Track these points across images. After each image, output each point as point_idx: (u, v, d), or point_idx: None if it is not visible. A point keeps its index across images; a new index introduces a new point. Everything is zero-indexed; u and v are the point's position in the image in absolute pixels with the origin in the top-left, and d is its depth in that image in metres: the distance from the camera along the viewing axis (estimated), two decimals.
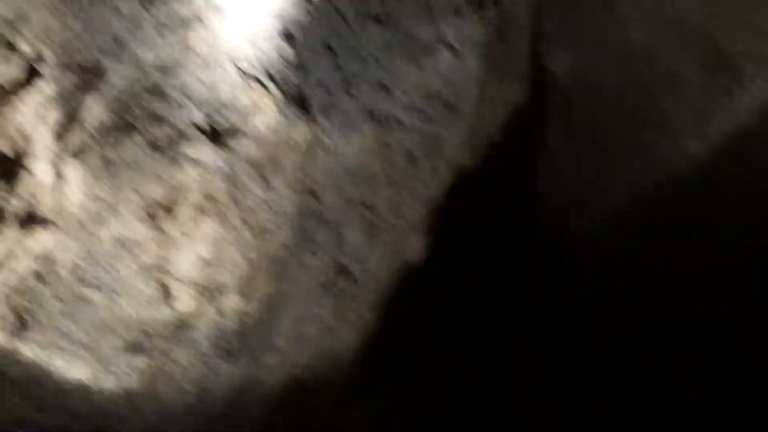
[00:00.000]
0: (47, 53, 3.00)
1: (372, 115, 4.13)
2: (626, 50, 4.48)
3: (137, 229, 3.29)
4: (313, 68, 3.83)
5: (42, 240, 3.04)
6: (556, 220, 4.80)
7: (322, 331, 4.06)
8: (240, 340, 3.62)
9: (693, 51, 4.33)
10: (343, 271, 4.06)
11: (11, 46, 2.92)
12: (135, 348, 3.27)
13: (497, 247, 4.86)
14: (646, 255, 4.51)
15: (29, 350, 3.05)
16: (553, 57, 4.77)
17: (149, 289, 3.27)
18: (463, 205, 4.45)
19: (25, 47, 2.94)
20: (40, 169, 3.04)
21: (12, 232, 2.95)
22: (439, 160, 4.39)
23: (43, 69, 3.01)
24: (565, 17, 4.63)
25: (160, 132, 3.32)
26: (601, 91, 4.63)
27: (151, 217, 3.35)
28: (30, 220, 3.04)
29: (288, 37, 3.69)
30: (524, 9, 4.61)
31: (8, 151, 2.96)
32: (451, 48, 4.27)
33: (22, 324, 3.03)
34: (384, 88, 4.15)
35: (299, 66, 3.76)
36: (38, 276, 3.04)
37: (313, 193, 3.96)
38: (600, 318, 4.62)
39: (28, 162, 3.02)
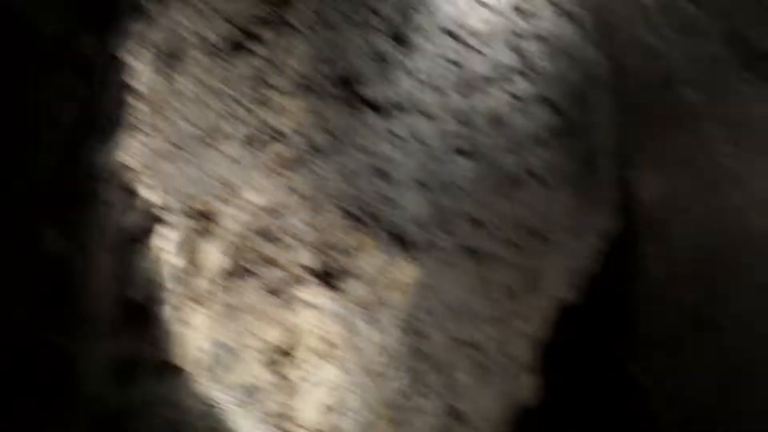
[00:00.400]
0: (167, 199, 3.45)
1: (469, 251, 4.57)
2: (713, 173, 4.97)
3: (260, 375, 3.61)
4: (408, 205, 4.31)
5: (173, 385, 3.36)
6: (662, 353, 5.11)
7: None
8: None
9: None
10: (456, 414, 4.35)
11: (134, 195, 3.37)
12: None
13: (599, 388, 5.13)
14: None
15: None
16: (642, 183, 5.26)
17: None
18: (566, 342, 4.77)
19: (147, 194, 3.39)
20: (168, 317, 3.40)
21: (150, 379, 3.28)
22: (539, 295, 4.78)
23: (165, 216, 3.44)
24: (650, 142, 5.18)
25: (273, 276, 3.73)
26: (692, 215, 5.08)
27: (272, 363, 3.69)
28: (163, 365, 3.36)
29: (382, 174, 4.19)
30: (610, 136, 5.17)
31: (140, 299, 3.32)
32: (540, 179, 4.79)
33: None
34: (478, 222, 4.62)
35: (395, 203, 4.23)
36: (171, 424, 3.33)
37: (420, 334, 4.32)
38: None
39: (156, 309, 3.38)
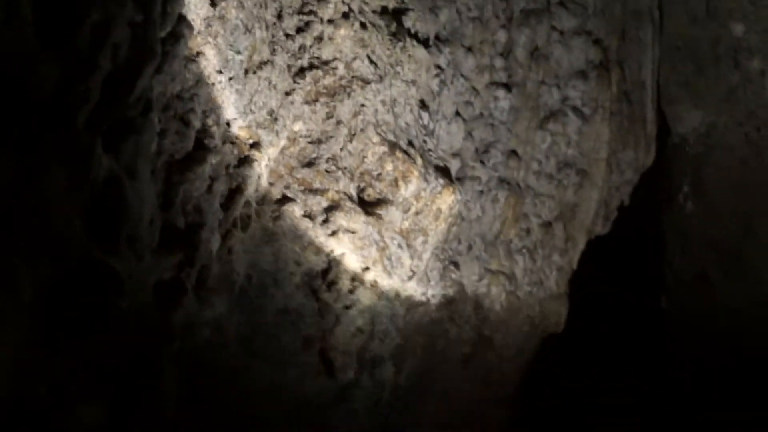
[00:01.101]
0: (213, 127, 3.48)
1: (505, 183, 4.58)
2: (755, 108, 4.89)
3: (298, 300, 3.68)
4: (446, 136, 4.31)
5: (214, 309, 3.44)
6: (687, 290, 5.11)
7: (468, 403, 4.37)
8: (392, 411, 3.97)
9: None
10: (486, 342, 4.41)
11: (184, 121, 3.40)
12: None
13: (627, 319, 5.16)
14: None
15: None
16: (681, 118, 5.20)
17: (312, 359, 3.65)
18: (598, 273, 4.80)
19: (195, 122, 3.41)
20: (210, 240, 3.47)
21: (190, 303, 3.36)
22: (573, 227, 4.78)
23: (210, 142, 3.47)
24: (692, 76, 5.10)
25: (314, 202, 3.77)
26: (730, 151, 5.02)
27: (312, 289, 3.76)
28: (203, 288, 3.44)
29: (424, 105, 4.18)
30: (649, 71, 5.09)
31: (182, 224, 3.38)
32: (578, 112, 4.75)
33: None
34: (515, 155, 4.61)
35: (435, 134, 4.23)
36: (212, 346, 3.43)
37: (455, 264, 4.36)
38: None
39: (201, 233, 3.44)
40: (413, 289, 3.97)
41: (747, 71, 4.79)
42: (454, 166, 4.24)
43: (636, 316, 5.19)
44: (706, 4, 4.92)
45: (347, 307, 3.74)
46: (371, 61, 3.83)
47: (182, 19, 3.20)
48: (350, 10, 3.79)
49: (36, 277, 2.61)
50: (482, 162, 4.35)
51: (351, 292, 3.74)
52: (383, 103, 3.84)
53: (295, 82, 3.66)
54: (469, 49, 4.41)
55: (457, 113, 4.26)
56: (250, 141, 3.58)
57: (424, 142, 4.01)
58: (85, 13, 2.73)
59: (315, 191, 3.69)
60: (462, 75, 4.31)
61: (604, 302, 4.89)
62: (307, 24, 3.67)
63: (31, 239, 2.62)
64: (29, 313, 2.55)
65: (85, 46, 2.75)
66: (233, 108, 3.50)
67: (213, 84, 3.41)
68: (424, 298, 4.06)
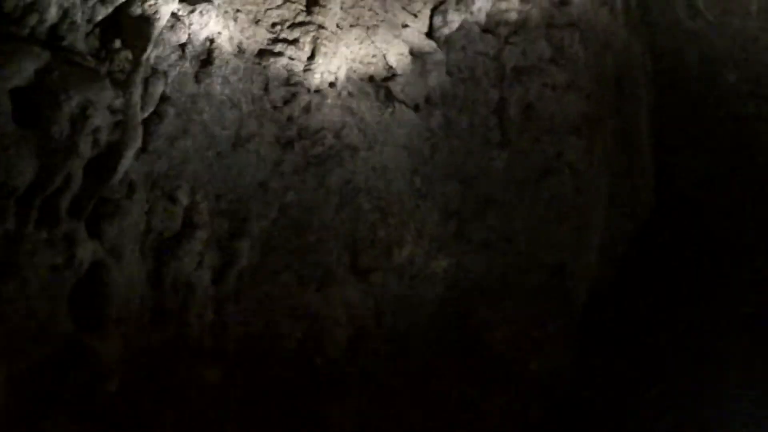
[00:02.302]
0: (201, 202, 3.43)
1: (504, 240, 4.49)
2: (756, 153, 4.79)
3: (293, 370, 3.59)
4: (441, 197, 4.24)
5: (208, 375, 3.37)
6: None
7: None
8: None
9: None
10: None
11: (171, 199, 3.36)
12: None
13: None
14: None
15: None
16: (678, 164, 5.10)
17: None
18: (603, 322, 4.67)
19: (182, 198, 3.37)
20: (203, 314, 3.40)
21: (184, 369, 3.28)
22: (576, 279, 4.68)
23: (198, 218, 3.42)
24: (688, 125, 5.01)
25: (306, 272, 3.70)
26: (731, 195, 4.91)
27: (305, 355, 3.67)
28: (196, 362, 3.36)
29: (415, 169, 4.13)
30: (644, 121, 5.01)
31: (174, 302, 3.32)
32: (573, 167, 4.67)
33: None
34: (512, 212, 4.54)
35: (429, 197, 4.16)
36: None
37: (456, 326, 4.25)
38: None
39: (192, 309, 3.39)
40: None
41: (741, 116, 4.67)
42: (450, 227, 4.16)
43: None
44: (698, 54, 4.83)
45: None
46: (359, 129, 3.78)
47: (165, 98, 3.18)
48: (337, 78, 3.75)
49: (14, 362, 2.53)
50: (479, 222, 4.26)
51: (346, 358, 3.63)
52: (374, 169, 3.81)
53: (284, 153, 3.60)
54: (461, 110, 4.33)
55: (452, 174, 4.17)
56: (241, 214, 3.52)
57: (417, 206, 3.96)
58: (63, 99, 2.68)
59: (307, 260, 3.61)
60: (455, 135, 4.23)
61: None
62: (294, 95, 3.65)
63: (12, 325, 2.55)
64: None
65: (64, 132, 2.70)
66: (222, 182, 3.45)
67: (200, 160, 3.36)
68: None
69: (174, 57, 3.21)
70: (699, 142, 4.88)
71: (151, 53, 3.09)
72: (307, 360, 3.65)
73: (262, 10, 3.68)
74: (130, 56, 2.98)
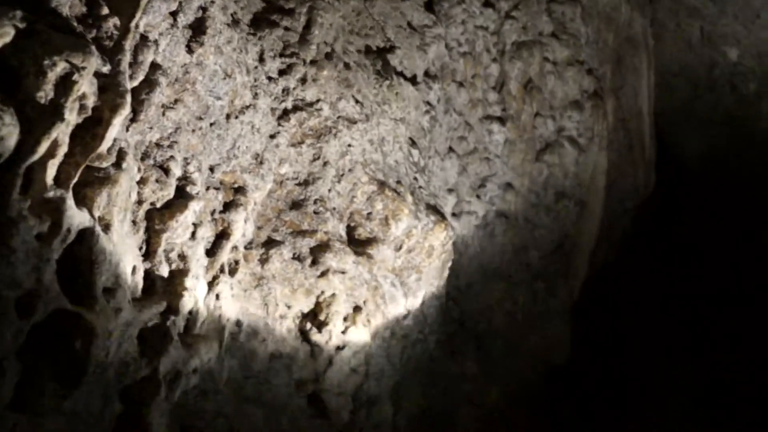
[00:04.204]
0: (194, 174, 3.25)
1: (502, 216, 4.29)
2: (755, 129, 4.60)
3: (290, 343, 3.42)
4: (440, 172, 4.04)
5: (202, 355, 3.19)
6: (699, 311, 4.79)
7: None
8: None
9: None
10: (488, 378, 4.11)
11: (164, 169, 3.18)
12: None
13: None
14: None
15: None
16: (679, 141, 4.91)
17: (305, 402, 3.38)
18: (602, 300, 4.49)
19: (175, 169, 3.19)
20: (196, 287, 3.23)
21: (176, 351, 3.11)
22: (575, 257, 4.48)
23: (192, 189, 3.24)
24: (690, 101, 4.82)
25: (303, 244, 3.52)
26: (731, 172, 4.72)
27: (303, 331, 3.49)
28: (190, 335, 3.19)
29: (413, 142, 3.92)
30: (645, 98, 4.81)
31: (166, 272, 3.15)
32: (574, 142, 4.46)
33: None
34: (511, 188, 4.33)
35: (427, 170, 3.96)
36: (202, 393, 3.18)
37: (454, 300, 4.07)
38: None
39: (185, 280, 3.21)
40: (409, 328, 3.67)
41: (744, 95, 4.47)
42: (449, 201, 3.97)
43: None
44: (700, 30, 4.62)
45: (340, 348, 3.47)
46: (357, 101, 3.60)
47: (156, 66, 3.00)
48: (333, 50, 3.57)
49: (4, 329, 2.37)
50: (478, 196, 4.08)
51: (343, 332, 3.47)
52: (371, 142, 3.60)
53: (279, 125, 3.44)
54: (461, 84, 4.14)
55: (451, 149, 4.00)
56: (235, 185, 3.36)
57: (415, 179, 3.75)
58: (48, 64, 2.50)
59: (303, 233, 3.45)
60: (454, 110, 4.05)
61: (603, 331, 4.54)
62: (290, 66, 3.46)
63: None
64: None
65: (48, 97, 2.52)
66: (216, 153, 3.28)
67: (193, 131, 3.19)
68: (421, 336, 3.76)
69: (165, 25, 3.03)
70: (700, 118, 4.68)
71: (141, 20, 2.87)
72: (303, 334, 3.46)
73: None
74: (118, 23, 2.79)
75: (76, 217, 2.71)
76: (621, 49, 4.71)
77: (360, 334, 3.51)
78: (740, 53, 4.51)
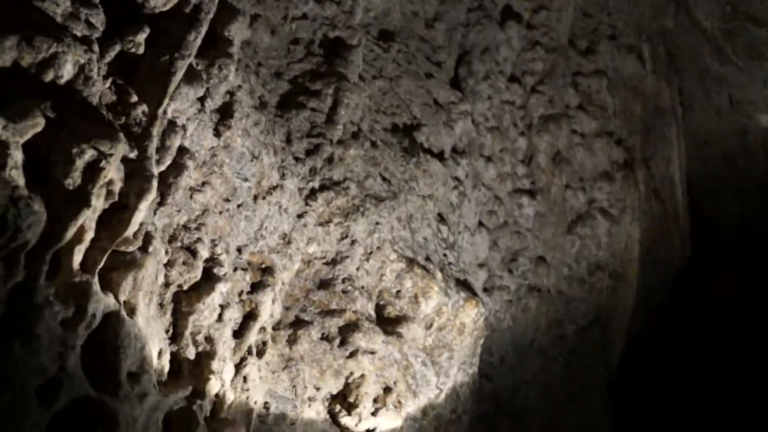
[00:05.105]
0: (222, 255, 3.22)
1: (535, 290, 4.19)
2: None
3: (319, 426, 3.32)
4: (470, 247, 3.96)
5: None
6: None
7: None
8: None
9: None
10: None
11: (191, 251, 3.15)
12: None
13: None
14: None
15: None
16: (714, 209, 4.79)
17: None
18: (640, 374, 4.33)
19: (202, 251, 3.16)
20: (223, 369, 3.16)
21: None
22: (612, 330, 4.34)
23: (220, 271, 3.20)
24: (723, 169, 4.72)
25: (331, 324, 3.45)
26: (767, 237, 4.59)
27: (332, 414, 3.39)
28: (216, 420, 3.11)
29: (442, 218, 3.86)
30: (677, 167, 4.72)
31: (192, 354, 3.10)
32: (606, 213, 4.37)
33: None
34: (543, 261, 4.23)
35: (456, 246, 3.89)
36: None
37: (487, 377, 3.95)
38: None
39: (212, 363, 3.15)
40: (442, 407, 3.55)
41: None
42: (480, 276, 3.89)
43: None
44: (728, 98, 4.55)
45: (371, 431, 3.33)
46: (384, 179, 3.57)
47: (184, 150, 3.01)
48: (359, 129, 3.56)
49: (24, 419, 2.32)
50: (510, 271, 3.99)
51: (374, 414, 3.35)
52: (399, 219, 3.56)
53: (307, 204, 3.42)
54: (489, 159, 4.10)
55: (481, 223, 3.93)
56: (263, 266, 3.33)
57: (444, 255, 3.69)
58: (76, 152, 2.51)
59: (332, 312, 3.39)
60: (483, 184, 4.01)
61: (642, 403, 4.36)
62: (317, 146, 3.46)
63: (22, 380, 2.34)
64: None
65: (76, 184, 2.53)
66: (243, 234, 3.26)
67: (221, 212, 3.17)
68: (454, 416, 3.63)
69: (192, 110, 3.05)
70: (734, 186, 4.57)
71: (169, 107, 2.88)
72: (334, 420, 3.35)
73: (285, 63, 3.52)
74: (146, 110, 2.82)
75: (102, 302, 2.68)
76: (650, 119, 4.64)
77: (391, 416, 3.40)
78: None
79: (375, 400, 3.46)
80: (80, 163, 2.61)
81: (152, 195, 2.83)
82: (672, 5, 4.88)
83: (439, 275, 3.65)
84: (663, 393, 4.42)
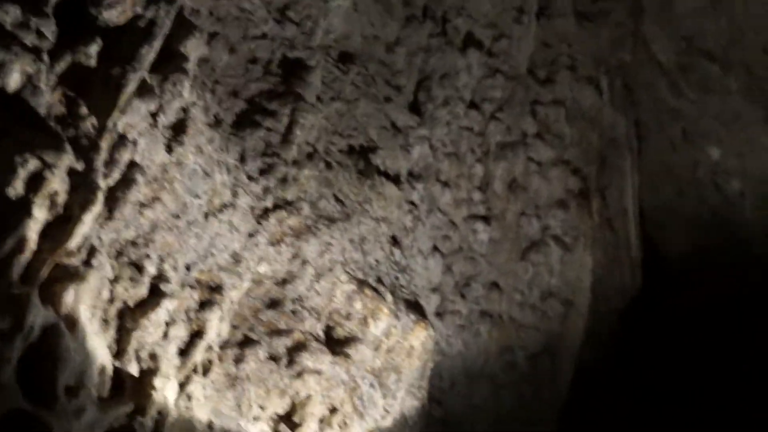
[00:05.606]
0: (170, 272, 3.20)
1: (487, 316, 4.20)
2: (739, 229, 4.55)
3: None
4: (424, 271, 3.97)
5: None
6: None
7: None
8: None
9: None
10: None
11: (138, 267, 3.13)
12: None
13: None
14: None
15: None
16: (666, 240, 4.85)
17: None
18: (589, 404, 4.34)
19: (150, 267, 3.14)
20: (167, 387, 3.13)
21: None
22: (562, 358, 4.36)
23: (167, 287, 3.18)
24: (675, 201, 4.79)
25: (279, 344, 3.45)
26: (717, 271, 4.65)
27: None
28: None
29: (396, 241, 3.87)
30: (630, 197, 4.78)
31: (136, 371, 3.06)
32: (560, 241, 4.40)
33: None
34: (496, 287, 4.25)
35: (409, 269, 3.90)
36: None
37: (437, 401, 3.94)
38: None
39: (156, 380, 3.11)
40: (389, 430, 3.53)
41: (727, 194, 4.44)
42: (433, 301, 3.88)
43: None
44: (682, 131, 4.63)
45: None
46: (338, 200, 3.57)
47: (134, 165, 2.98)
48: (315, 150, 3.57)
49: None
50: (463, 296, 3.99)
51: None
52: (351, 241, 3.55)
53: (258, 223, 3.41)
54: (446, 184, 4.11)
55: (435, 248, 3.93)
56: (212, 284, 3.30)
57: (396, 278, 3.68)
58: (19, 162, 2.48)
59: (280, 332, 3.38)
60: (439, 209, 4.01)
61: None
62: (271, 166, 3.45)
63: None
64: None
65: (18, 195, 2.49)
66: (193, 252, 3.23)
67: (170, 229, 3.15)
68: None
69: (144, 125, 3.03)
70: (686, 218, 4.63)
71: (120, 120, 2.86)
72: None
73: (242, 82, 3.52)
74: (96, 122, 2.78)
75: (41, 315, 2.64)
76: (605, 149, 4.71)
77: None
78: (722, 153, 4.49)
79: (321, 421, 3.44)
80: (23, 173, 2.57)
81: (97, 207, 2.80)
82: (630, 39, 4.96)
83: (389, 297, 3.64)
84: (612, 422, 4.42)
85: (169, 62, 3.15)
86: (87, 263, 2.86)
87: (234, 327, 3.40)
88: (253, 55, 3.60)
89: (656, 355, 4.73)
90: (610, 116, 4.91)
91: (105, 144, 2.89)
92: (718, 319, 4.55)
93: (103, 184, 2.87)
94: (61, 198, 2.73)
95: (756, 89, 4.55)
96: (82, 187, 2.80)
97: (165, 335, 3.17)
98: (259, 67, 3.62)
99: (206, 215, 3.34)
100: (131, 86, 2.92)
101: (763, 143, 4.54)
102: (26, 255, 2.66)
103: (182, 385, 3.21)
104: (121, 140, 2.99)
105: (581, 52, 4.79)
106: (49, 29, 2.70)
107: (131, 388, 3.03)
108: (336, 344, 3.54)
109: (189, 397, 3.22)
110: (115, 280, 3.04)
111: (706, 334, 4.56)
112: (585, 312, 4.45)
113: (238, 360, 3.39)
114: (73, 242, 2.78)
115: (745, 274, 4.57)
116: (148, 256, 3.14)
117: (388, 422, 3.64)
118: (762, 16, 4.49)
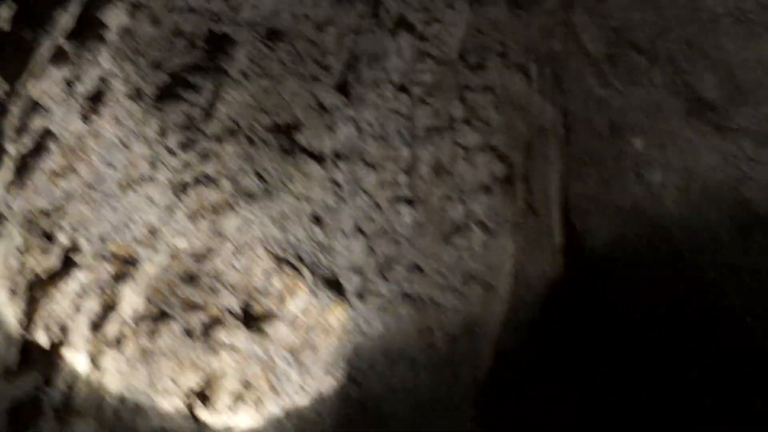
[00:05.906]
0: (83, 243, 3.19)
1: (408, 298, 4.26)
2: (660, 219, 4.68)
3: (175, 421, 3.30)
4: (346, 251, 4.01)
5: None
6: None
7: None
8: None
9: (726, 214, 4.50)
10: None
11: (49, 237, 3.12)
12: None
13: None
14: None
15: None
16: (589, 228, 4.96)
17: None
18: (506, 388, 4.45)
19: (62, 238, 3.13)
20: (76, 360, 3.13)
21: (49, 425, 2.99)
22: (481, 341, 4.45)
23: (79, 259, 3.17)
24: (598, 190, 4.90)
25: (194, 319, 3.46)
26: (638, 260, 4.78)
27: (189, 407, 3.39)
28: (66, 411, 3.07)
29: (318, 220, 3.91)
30: (555, 185, 4.88)
31: (45, 342, 3.06)
32: (483, 225, 4.49)
33: None
34: (418, 269, 4.32)
35: (330, 249, 3.94)
36: None
37: (355, 381, 4.00)
38: None
39: (65, 352, 3.11)
40: (305, 408, 3.57)
41: (649, 184, 4.56)
42: (354, 281, 3.93)
43: None
44: (608, 121, 4.74)
45: (228, 428, 3.32)
46: (259, 177, 3.59)
47: (48, 133, 2.95)
48: (238, 126, 3.56)
49: None
50: (385, 277, 4.03)
51: (233, 411, 3.34)
52: (271, 218, 3.58)
53: (177, 197, 3.40)
54: (371, 165, 4.14)
55: (358, 229, 3.96)
56: (127, 257, 3.27)
57: (316, 257, 3.73)
58: None
59: (196, 307, 3.38)
60: (363, 190, 4.04)
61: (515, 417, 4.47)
62: (192, 140, 3.43)
63: None
64: None
65: None
66: (108, 224, 3.22)
67: (85, 200, 3.12)
68: (318, 418, 3.65)
69: (60, 93, 3.00)
70: (609, 207, 4.74)
71: (34, 87, 2.84)
72: (192, 415, 3.34)
73: (166, 55, 3.50)
74: (6, 85, 2.75)
75: None
76: (533, 137, 4.79)
77: (250, 413, 3.40)
78: (646, 144, 4.61)
79: (235, 397, 3.46)
80: None
81: (5, 173, 2.78)
82: (560, 28, 5.05)
83: (308, 275, 3.68)
84: (529, 406, 4.53)
85: (88, 30, 3.13)
86: None
87: (149, 301, 3.40)
88: (178, 28, 3.59)
89: (576, 342, 4.85)
90: (539, 104, 5.00)
91: (15, 109, 2.86)
92: (639, 308, 4.68)
93: (12, 149, 2.84)
94: None
95: (679, 82, 4.67)
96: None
97: (76, 307, 3.16)
98: (183, 40, 3.61)
99: (123, 187, 3.34)
100: (44, 50, 2.90)
101: (685, 135, 4.66)
102: None
103: (94, 359, 3.20)
104: (34, 106, 2.96)
105: (512, 40, 4.86)
106: None
107: (40, 361, 3.00)
108: (253, 320, 3.57)
109: (101, 371, 3.22)
110: (25, 250, 3.00)
111: (627, 323, 4.69)
112: (506, 296, 4.54)
113: (153, 334, 3.39)
114: None
115: (665, 263, 4.71)
116: (60, 226, 3.13)
117: (304, 400, 3.69)
118: (688, 9, 4.60)
